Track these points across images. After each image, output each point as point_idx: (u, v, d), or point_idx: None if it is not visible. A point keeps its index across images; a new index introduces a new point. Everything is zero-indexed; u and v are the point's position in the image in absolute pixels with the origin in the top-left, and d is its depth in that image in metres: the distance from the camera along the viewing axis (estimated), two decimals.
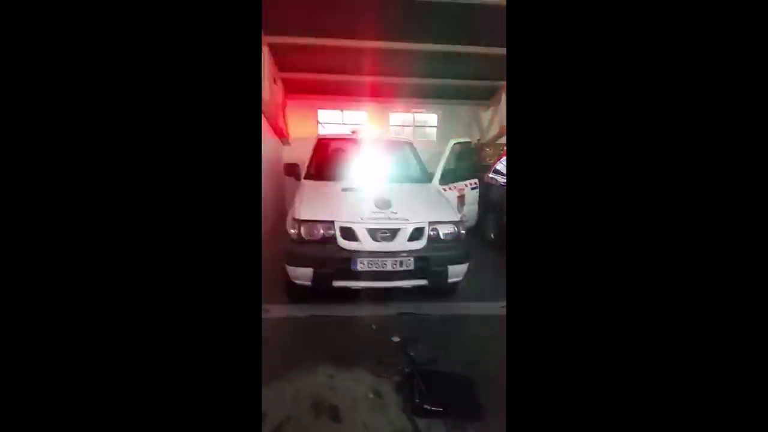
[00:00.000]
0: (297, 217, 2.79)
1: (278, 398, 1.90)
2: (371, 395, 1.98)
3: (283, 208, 7.12)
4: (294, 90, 7.62)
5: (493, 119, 7.68)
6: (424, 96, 8.02)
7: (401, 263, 2.74)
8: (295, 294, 2.98)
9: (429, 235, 2.84)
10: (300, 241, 2.73)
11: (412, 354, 2.33)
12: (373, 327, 2.73)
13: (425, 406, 1.85)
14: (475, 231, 5.19)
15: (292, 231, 2.77)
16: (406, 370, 2.15)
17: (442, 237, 2.89)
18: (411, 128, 8.83)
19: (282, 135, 7.15)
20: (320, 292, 2.84)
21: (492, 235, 5.14)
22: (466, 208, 4.47)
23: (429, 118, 8.85)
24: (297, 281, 2.79)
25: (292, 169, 3.70)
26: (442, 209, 3.12)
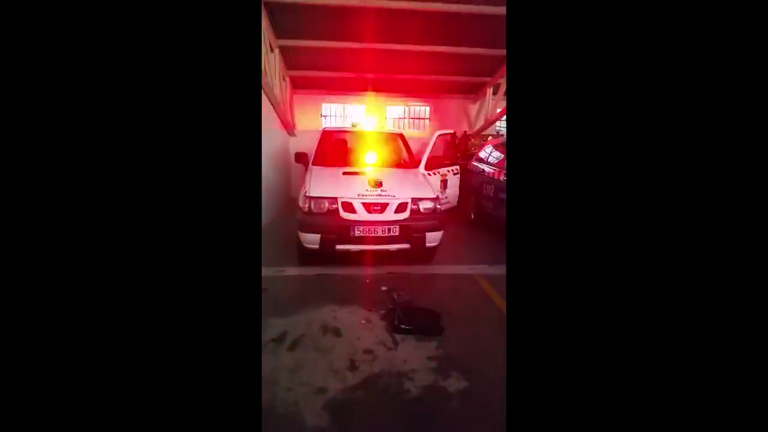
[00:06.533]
0: (308, 194, 3.51)
1: (295, 324, 2.59)
2: (363, 321, 2.68)
3: (290, 191, 7.78)
4: (300, 86, 8.23)
5: (480, 112, 8.24)
6: (418, 91, 8.61)
7: (389, 230, 3.47)
8: (306, 257, 3.69)
9: (411, 209, 3.55)
10: (310, 213, 3.45)
11: (395, 297, 3.03)
12: (367, 281, 3.46)
13: (401, 326, 2.53)
14: (458, 212, 5.84)
15: (304, 205, 3.49)
16: (390, 306, 2.85)
17: (421, 210, 3.60)
18: (405, 120, 9.42)
19: (289, 127, 7.75)
20: (326, 254, 3.54)
21: (472, 216, 5.77)
22: (448, 191, 5.10)
23: (422, 111, 9.44)
24: (308, 245, 3.50)
25: (301, 158, 4.39)
26: (423, 189, 3.83)
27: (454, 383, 1.98)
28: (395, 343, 2.40)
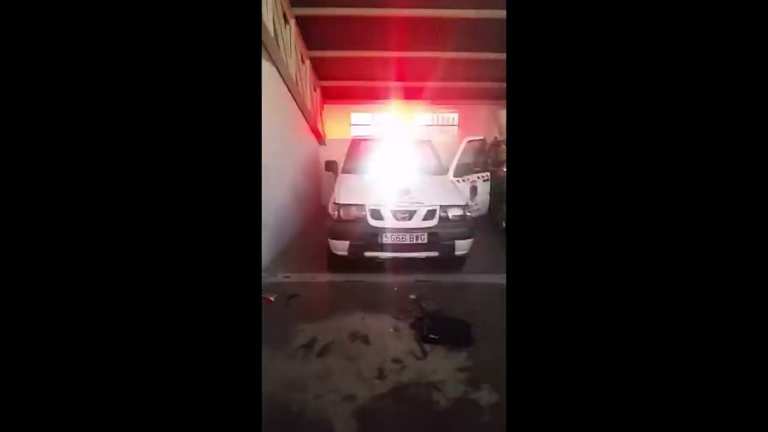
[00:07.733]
0: (336, 201, 3.56)
1: (325, 330, 2.61)
2: (392, 330, 2.66)
3: (320, 199, 7.92)
4: (330, 96, 8.40)
5: None
6: (446, 97, 8.56)
7: (417, 237, 3.45)
8: (335, 264, 3.72)
9: (440, 216, 3.52)
10: (339, 220, 3.49)
11: (423, 305, 3.01)
12: (395, 289, 3.43)
13: (430, 336, 2.50)
14: (489, 220, 5.73)
15: (333, 212, 3.54)
16: (418, 315, 2.83)
17: (450, 218, 3.56)
18: (434, 127, 9.37)
19: (319, 136, 7.91)
20: (354, 260, 3.56)
21: (503, 224, 5.60)
22: (478, 198, 5.02)
23: (451, 118, 9.37)
24: (337, 252, 3.54)
25: (331, 166, 4.47)
26: (451, 195, 3.79)
27: (486, 396, 1.92)
28: (424, 352, 2.36)
